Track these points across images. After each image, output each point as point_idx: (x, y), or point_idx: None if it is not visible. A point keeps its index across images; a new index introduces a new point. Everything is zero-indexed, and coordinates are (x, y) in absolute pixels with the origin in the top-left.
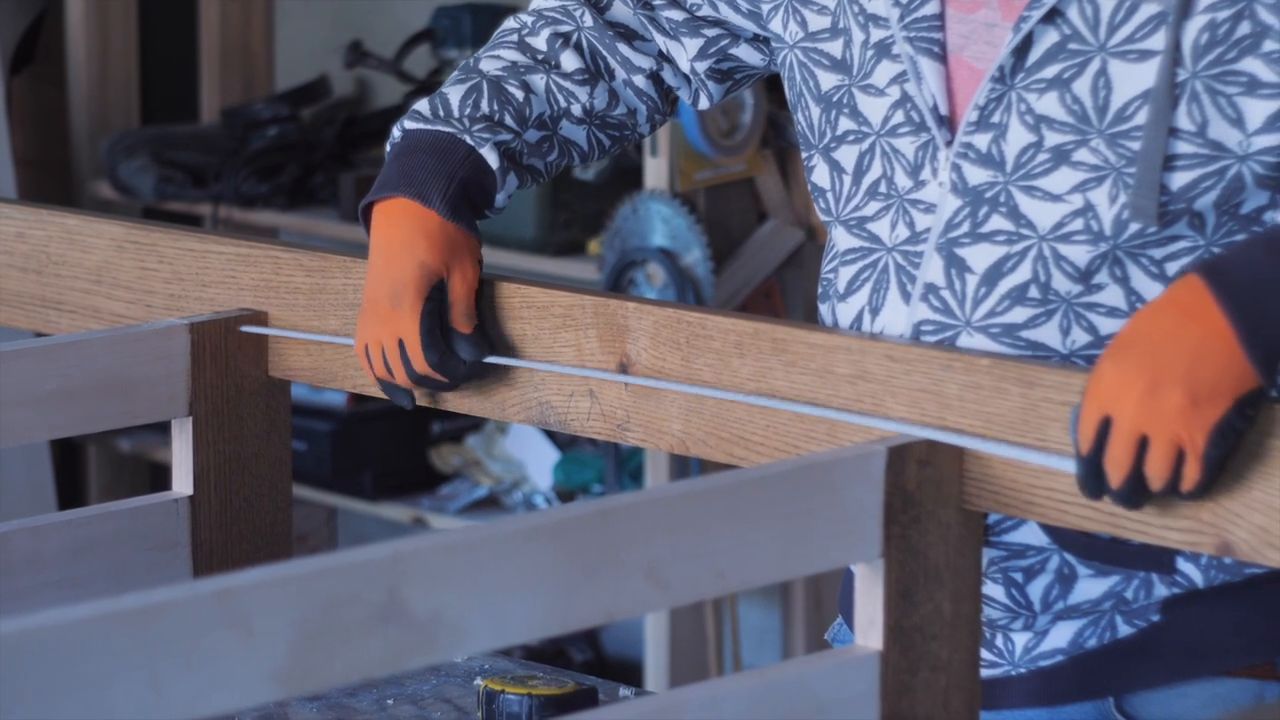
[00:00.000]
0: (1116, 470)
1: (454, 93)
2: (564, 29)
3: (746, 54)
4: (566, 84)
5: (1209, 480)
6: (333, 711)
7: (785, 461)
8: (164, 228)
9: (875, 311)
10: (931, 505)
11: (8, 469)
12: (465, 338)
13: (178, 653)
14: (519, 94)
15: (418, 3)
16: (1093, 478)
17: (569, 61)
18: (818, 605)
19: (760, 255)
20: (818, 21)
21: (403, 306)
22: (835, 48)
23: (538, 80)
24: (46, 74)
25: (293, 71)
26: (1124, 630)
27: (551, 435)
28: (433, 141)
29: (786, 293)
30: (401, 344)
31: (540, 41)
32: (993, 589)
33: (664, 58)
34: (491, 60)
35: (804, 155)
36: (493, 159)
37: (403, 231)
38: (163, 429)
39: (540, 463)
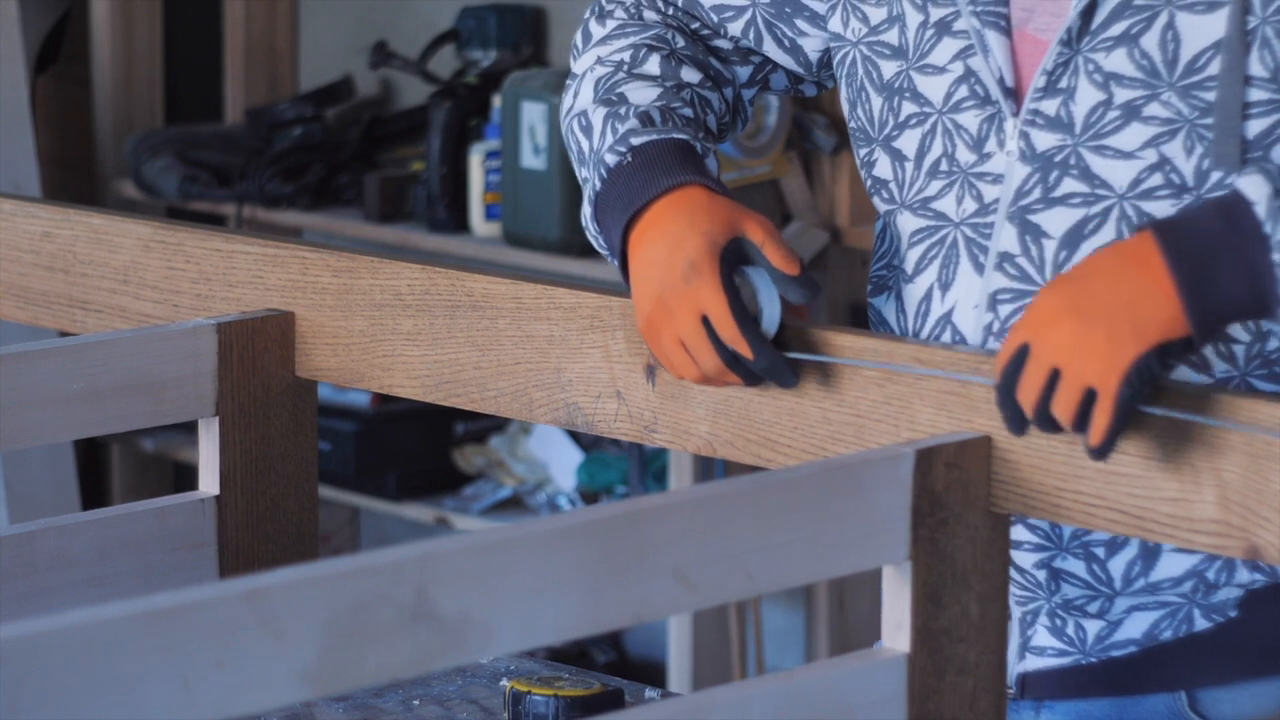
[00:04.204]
0: (1026, 399)
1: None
2: (665, 51)
3: (776, 82)
4: (702, 91)
5: (1118, 426)
6: (359, 712)
7: (813, 463)
8: (191, 228)
9: (945, 286)
10: (959, 508)
11: (32, 468)
12: (793, 281)
13: (207, 652)
14: (689, 112)
15: (442, 3)
16: (1006, 406)
17: (690, 75)
18: (841, 608)
19: None
20: (877, 14)
21: (701, 275)
22: (893, 36)
23: (687, 95)
24: (71, 73)
25: (317, 72)
26: (1200, 624)
27: (575, 436)
28: (666, 144)
29: None
30: (706, 321)
31: (653, 67)
32: (1073, 564)
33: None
34: (638, 90)
35: (862, 153)
36: (713, 167)
37: (676, 219)
38: (186, 428)
39: (564, 463)
